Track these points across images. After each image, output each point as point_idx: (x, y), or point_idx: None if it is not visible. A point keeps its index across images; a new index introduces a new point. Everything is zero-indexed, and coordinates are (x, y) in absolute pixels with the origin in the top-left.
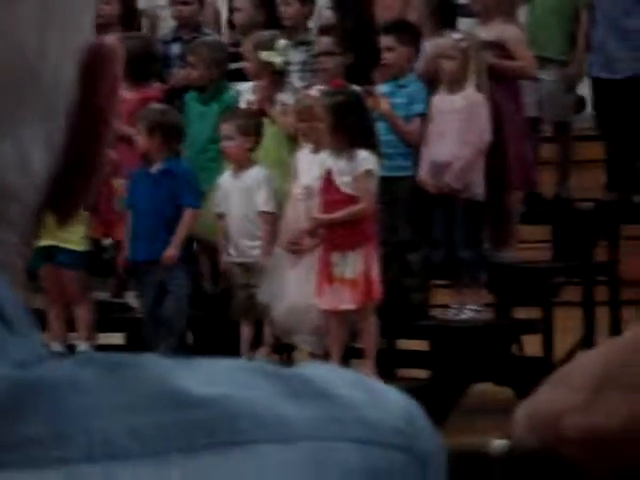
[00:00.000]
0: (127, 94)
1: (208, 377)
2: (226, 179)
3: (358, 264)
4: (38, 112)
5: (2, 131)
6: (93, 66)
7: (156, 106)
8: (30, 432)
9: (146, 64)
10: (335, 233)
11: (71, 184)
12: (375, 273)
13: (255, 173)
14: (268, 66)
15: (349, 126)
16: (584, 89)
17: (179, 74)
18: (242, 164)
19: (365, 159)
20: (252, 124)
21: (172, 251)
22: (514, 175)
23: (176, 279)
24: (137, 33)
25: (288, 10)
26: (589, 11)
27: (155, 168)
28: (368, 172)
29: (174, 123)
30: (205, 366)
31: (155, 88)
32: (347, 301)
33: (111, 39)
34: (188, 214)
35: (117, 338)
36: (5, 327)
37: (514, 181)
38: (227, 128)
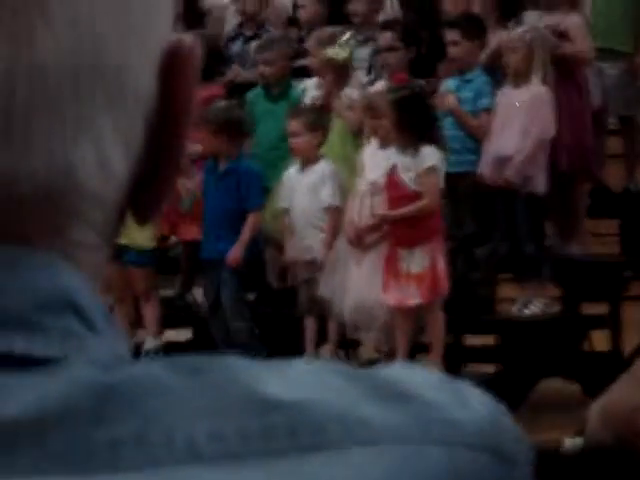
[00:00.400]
0: None
1: (291, 380)
2: (292, 174)
3: (424, 259)
4: (118, 114)
5: (82, 134)
6: (172, 66)
7: (221, 104)
8: (113, 435)
9: (212, 63)
10: (400, 229)
11: (151, 184)
12: (442, 268)
13: (321, 168)
14: (332, 61)
15: (413, 122)
16: None
17: (253, 70)
18: (310, 159)
19: (429, 155)
20: (319, 120)
21: (236, 252)
22: (577, 167)
23: (234, 279)
24: (203, 31)
25: (357, 6)
26: None
27: (221, 167)
28: (432, 168)
29: (239, 120)
30: (288, 369)
31: (218, 85)
32: (414, 296)
33: (189, 38)
34: (252, 217)
35: (184, 334)
36: (87, 327)
37: (577, 173)
38: (294, 124)
